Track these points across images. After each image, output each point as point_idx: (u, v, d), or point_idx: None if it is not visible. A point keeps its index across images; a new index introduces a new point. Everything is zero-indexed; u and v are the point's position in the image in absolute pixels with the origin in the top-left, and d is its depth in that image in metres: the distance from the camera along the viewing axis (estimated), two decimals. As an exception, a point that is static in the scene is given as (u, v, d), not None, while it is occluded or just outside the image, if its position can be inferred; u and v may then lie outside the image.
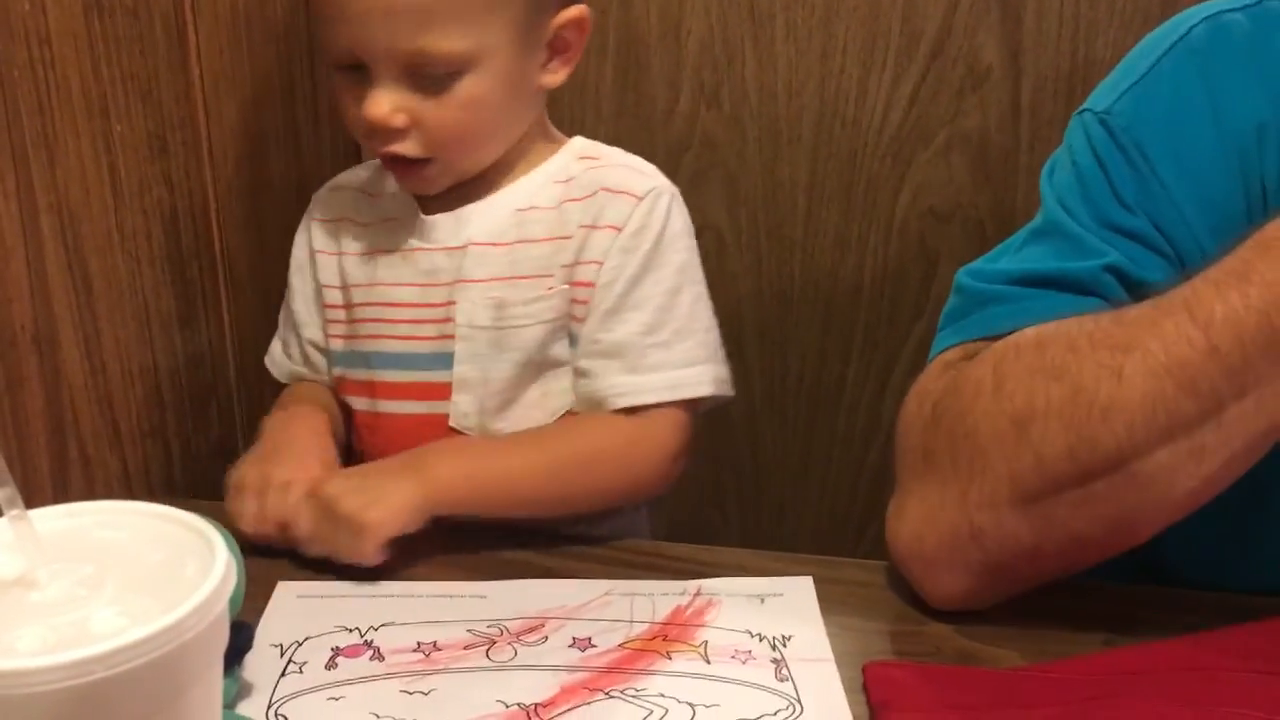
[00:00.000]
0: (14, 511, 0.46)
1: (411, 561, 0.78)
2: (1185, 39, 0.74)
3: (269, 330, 0.99)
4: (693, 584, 0.76)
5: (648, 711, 0.65)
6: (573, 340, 0.88)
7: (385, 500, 0.76)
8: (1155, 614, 0.72)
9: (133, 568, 0.46)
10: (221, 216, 0.99)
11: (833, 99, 1.19)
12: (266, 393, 1.08)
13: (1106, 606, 0.73)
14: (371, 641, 0.71)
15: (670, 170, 0.91)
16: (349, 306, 0.92)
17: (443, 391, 0.89)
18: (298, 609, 0.74)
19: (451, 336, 0.88)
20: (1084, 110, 0.77)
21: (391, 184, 0.92)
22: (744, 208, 1.26)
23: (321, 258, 0.94)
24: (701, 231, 0.92)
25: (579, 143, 0.92)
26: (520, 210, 0.88)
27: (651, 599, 0.75)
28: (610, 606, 0.74)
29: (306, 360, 0.96)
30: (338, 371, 0.94)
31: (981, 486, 0.67)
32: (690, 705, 0.65)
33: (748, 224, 1.26)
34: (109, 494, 0.86)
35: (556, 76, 0.87)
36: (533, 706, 0.65)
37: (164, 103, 0.91)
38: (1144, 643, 0.68)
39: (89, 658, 0.39)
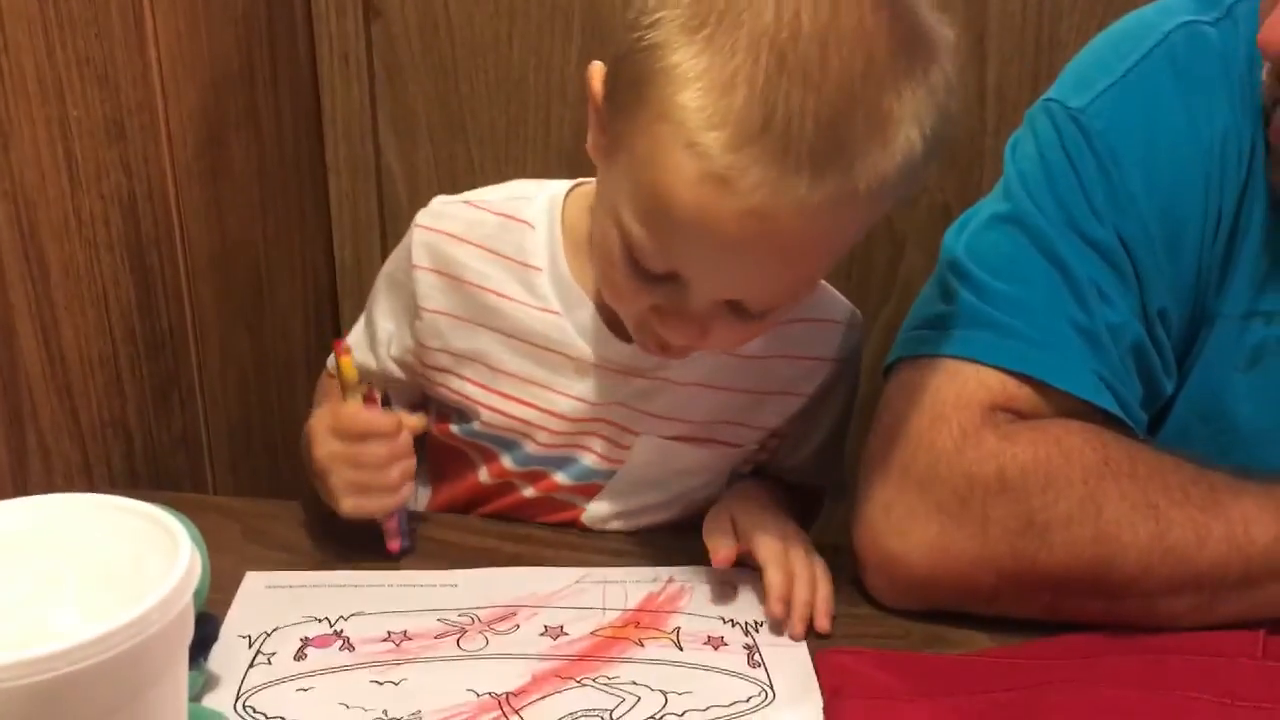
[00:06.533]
0: (-30, 506, 0.45)
1: (381, 550, 0.77)
2: (1164, 45, 0.73)
3: (230, 317, 0.98)
4: (665, 571, 0.76)
5: (620, 699, 0.65)
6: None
7: None
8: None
9: (93, 563, 0.45)
10: (181, 202, 0.98)
11: (799, 82, 1.19)
12: (229, 381, 1.06)
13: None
14: (341, 631, 0.70)
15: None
16: (468, 379, 0.81)
17: (574, 489, 0.82)
18: (266, 599, 0.73)
19: (611, 459, 0.81)
20: (1051, 100, 0.76)
21: (546, 260, 0.78)
22: (711, 192, 1.24)
23: (432, 317, 0.80)
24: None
25: None
26: (730, 355, 0.78)
27: (623, 586, 0.75)
28: (582, 594, 0.74)
29: (384, 370, 0.85)
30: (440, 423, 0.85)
31: (1029, 566, 0.68)
32: (663, 693, 0.65)
33: (715, 208, 1.25)
34: (69, 486, 0.84)
35: None
36: (504, 695, 0.64)
37: (121, 87, 0.89)
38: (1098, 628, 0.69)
39: (49, 655, 0.38)
